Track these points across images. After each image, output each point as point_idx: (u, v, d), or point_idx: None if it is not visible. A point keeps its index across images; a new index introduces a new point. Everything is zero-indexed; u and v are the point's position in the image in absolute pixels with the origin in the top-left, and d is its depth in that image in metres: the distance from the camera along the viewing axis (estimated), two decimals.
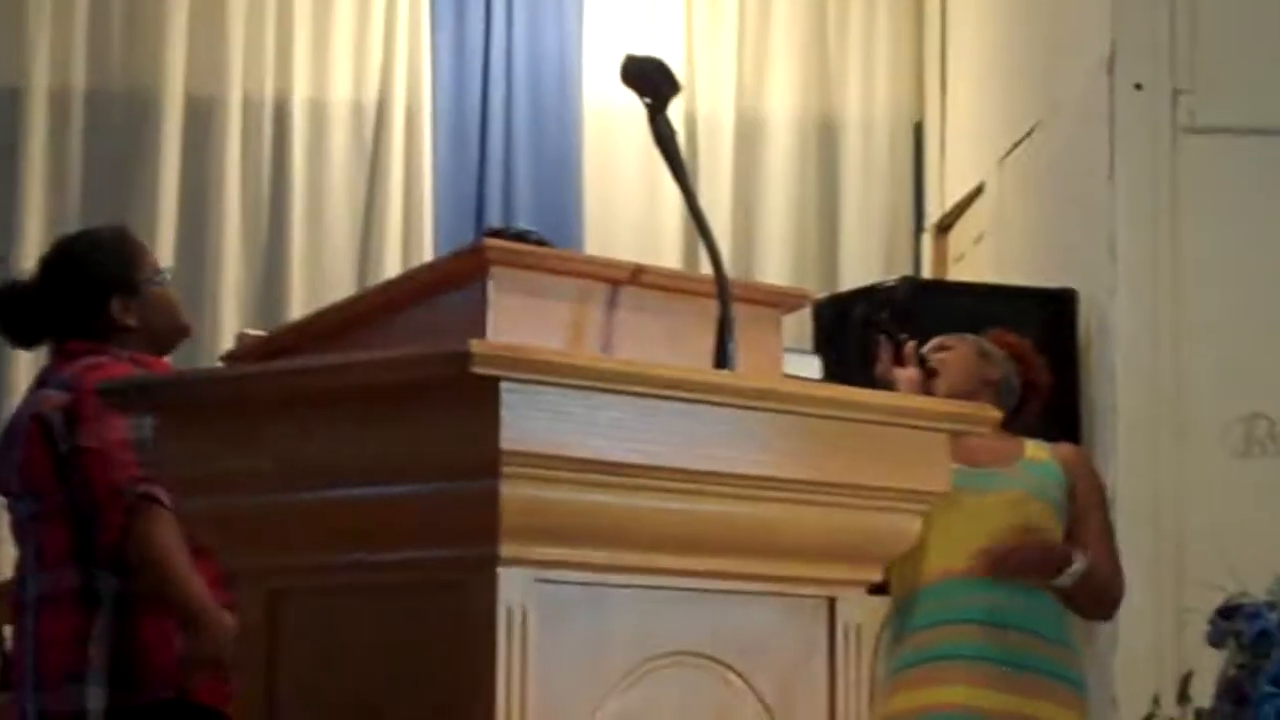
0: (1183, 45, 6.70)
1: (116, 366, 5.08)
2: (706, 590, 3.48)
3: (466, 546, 3.20)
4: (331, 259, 9.07)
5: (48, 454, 4.98)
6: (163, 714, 5.13)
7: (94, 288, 5.23)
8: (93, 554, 5.01)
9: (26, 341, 5.45)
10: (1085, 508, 5.63)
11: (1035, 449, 5.63)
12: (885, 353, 5.69)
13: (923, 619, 5.40)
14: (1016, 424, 5.53)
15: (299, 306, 8.58)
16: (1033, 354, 5.85)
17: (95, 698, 5.00)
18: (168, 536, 4.93)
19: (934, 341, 5.80)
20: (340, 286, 8.71)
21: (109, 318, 5.18)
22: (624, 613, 3.36)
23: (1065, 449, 5.82)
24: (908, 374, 5.57)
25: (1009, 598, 5.49)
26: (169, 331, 5.37)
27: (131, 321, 5.17)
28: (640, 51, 3.84)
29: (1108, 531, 5.69)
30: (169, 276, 5.55)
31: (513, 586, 3.20)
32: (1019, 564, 5.44)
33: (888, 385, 5.54)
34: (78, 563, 5.04)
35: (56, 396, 5.05)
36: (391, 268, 8.66)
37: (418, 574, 3.29)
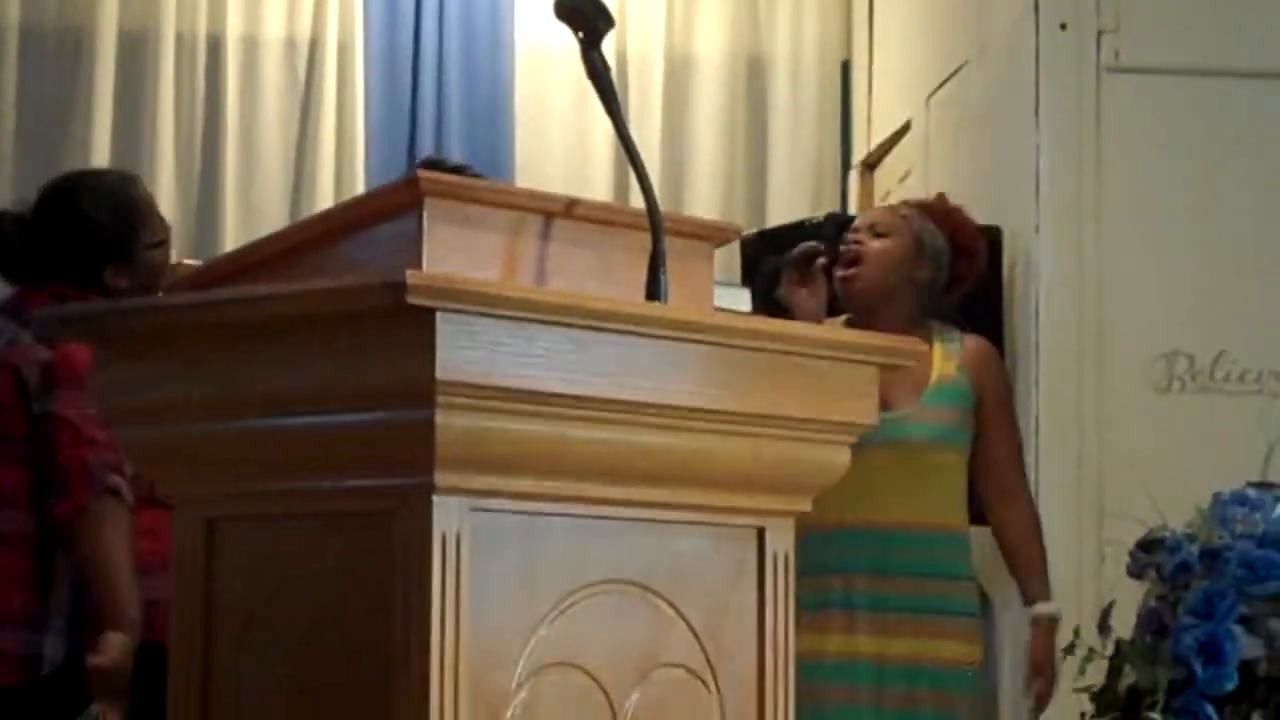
0: None
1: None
2: (638, 519, 3.50)
3: (403, 475, 3.22)
4: (265, 193, 9.09)
5: (20, 406, 4.96)
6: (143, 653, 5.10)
7: (90, 251, 5.25)
8: (47, 516, 4.99)
9: (16, 279, 5.38)
10: (993, 409, 5.69)
11: (944, 361, 5.59)
12: (785, 284, 5.67)
13: (830, 560, 5.42)
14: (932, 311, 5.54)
15: (233, 240, 8.61)
16: (975, 237, 5.96)
17: (54, 647, 5.00)
18: (117, 537, 4.95)
19: (867, 216, 5.80)
20: (274, 221, 8.71)
21: (100, 282, 5.19)
22: (557, 541, 3.39)
23: (973, 350, 5.86)
24: (805, 292, 5.56)
25: (902, 547, 5.55)
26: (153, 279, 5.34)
27: (123, 284, 5.19)
28: None
29: (1014, 436, 5.81)
30: (164, 239, 5.54)
31: (448, 515, 3.22)
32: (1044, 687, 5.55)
33: (787, 308, 5.53)
34: (35, 507, 5.01)
35: (35, 350, 5.03)
36: (324, 202, 8.68)
37: (355, 502, 3.31)
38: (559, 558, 3.39)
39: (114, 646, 4.89)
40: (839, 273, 5.59)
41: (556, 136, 9.15)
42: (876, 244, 5.62)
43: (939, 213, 5.82)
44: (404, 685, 3.21)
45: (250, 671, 3.46)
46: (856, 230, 5.67)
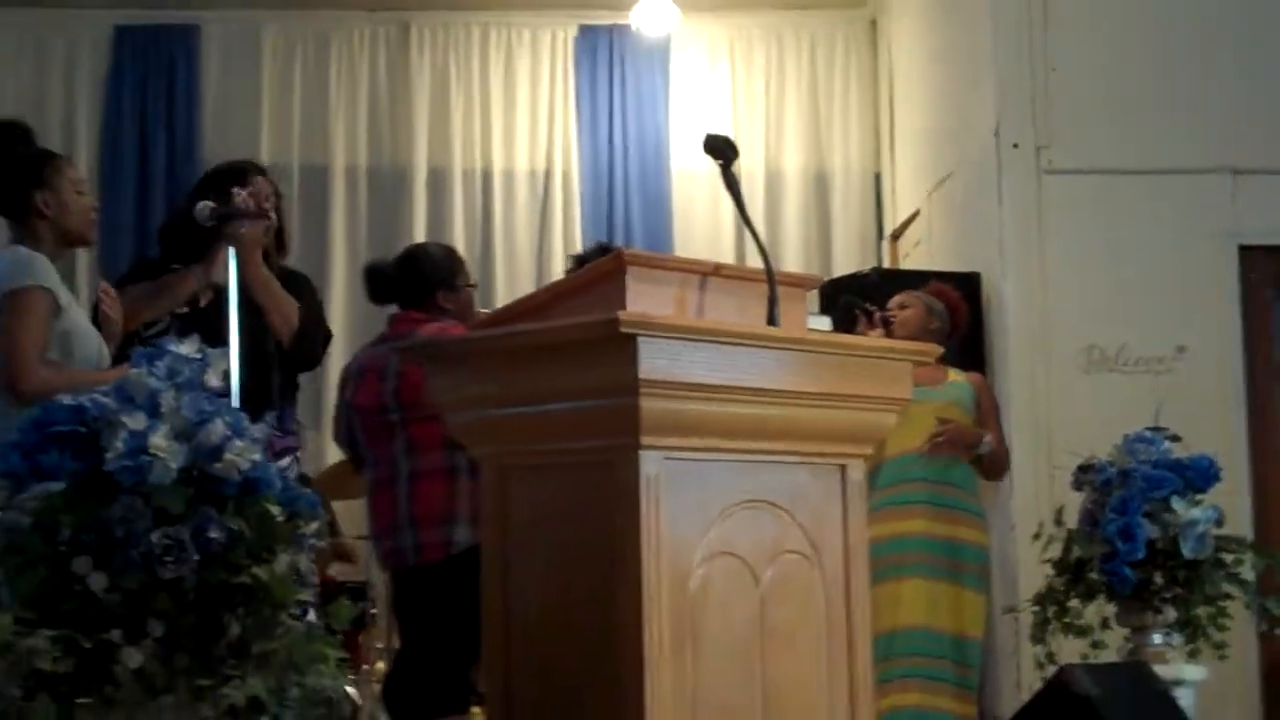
0: (1041, 118, 6.75)
1: (441, 329, 5.15)
2: (766, 462, 3.56)
3: (621, 438, 3.29)
4: (520, 269, 9.10)
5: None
6: None
7: (426, 283, 5.31)
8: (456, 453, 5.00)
9: (380, 302, 5.53)
10: (986, 414, 5.84)
11: (955, 375, 5.80)
12: (862, 322, 5.82)
13: (887, 480, 5.47)
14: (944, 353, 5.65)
15: (503, 300, 8.61)
16: (960, 302, 6.07)
17: (462, 534, 5.04)
18: None
19: (896, 299, 5.91)
20: (527, 289, 8.78)
21: (434, 304, 5.26)
22: (717, 477, 3.45)
23: (974, 376, 6.08)
24: (875, 333, 5.69)
25: (943, 465, 5.61)
26: (462, 319, 5.40)
27: (449, 307, 5.26)
28: (712, 130, 3.92)
29: (999, 428, 5.87)
30: (475, 284, 5.65)
31: (649, 463, 3.29)
32: (952, 437, 5.58)
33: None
34: (446, 449, 5.02)
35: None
36: (557, 276, 8.70)
37: (591, 456, 3.37)
38: (719, 487, 3.45)
39: None
40: (883, 324, 5.76)
41: (699, 226, 9.16)
42: (902, 313, 5.76)
43: (937, 291, 5.97)
44: (625, 569, 3.27)
45: (527, 559, 3.53)
46: (889, 307, 5.82)
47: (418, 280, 5.31)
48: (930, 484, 5.61)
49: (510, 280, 9.02)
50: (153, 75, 9.05)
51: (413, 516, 5.09)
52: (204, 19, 9.13)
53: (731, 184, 3.80)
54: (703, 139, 3.82)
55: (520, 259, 9.11)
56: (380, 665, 7.29)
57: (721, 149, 3.78)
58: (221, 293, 4.66)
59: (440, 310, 5.27)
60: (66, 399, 2.57)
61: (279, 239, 5.18)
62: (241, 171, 5.12)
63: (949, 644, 5.57)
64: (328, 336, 5.22)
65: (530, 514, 3.52)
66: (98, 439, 2.51)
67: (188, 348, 2.63)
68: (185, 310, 4.88)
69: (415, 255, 5.50)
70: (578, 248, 8.89)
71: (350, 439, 5.39)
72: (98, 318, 4.58)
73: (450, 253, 5.68)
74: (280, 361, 4.88)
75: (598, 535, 3.33)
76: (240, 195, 4.83)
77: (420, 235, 8.70)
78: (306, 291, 5.10)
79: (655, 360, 3.24)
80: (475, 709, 5.53)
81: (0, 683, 2.39)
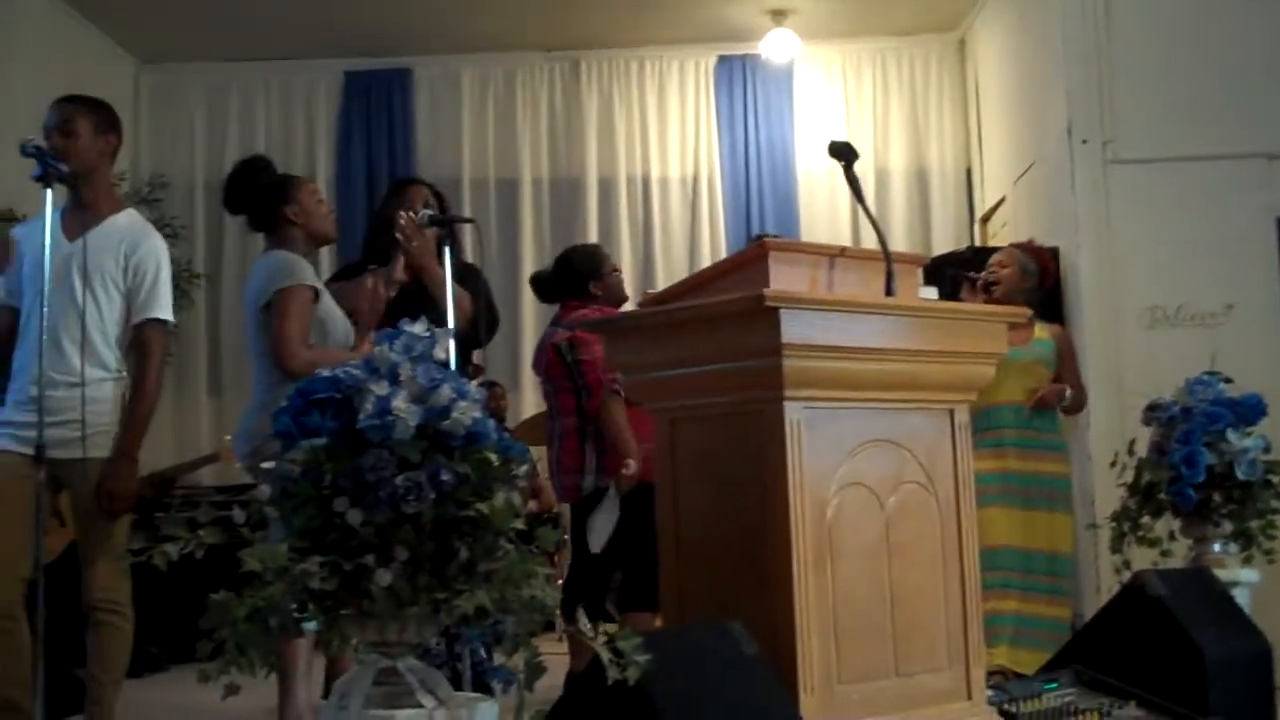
0: (1106, 117, 6.62)
1: (593, 314, 5.17)
2: (888, 408, 3.53)
3: (768, 391, 3.28)
4: (675, 260, 9.11)
5: (561, 361, 5.09)
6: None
7: (579, 278, 5.37)
8: (584, 411, 5.10)
9: (547, 301, 5.62)
10: (1066, 361, 5.72)
11: (1040, 330, 5.67)
12: (965, 288, 5.73)
13: (983, 425, 5.38)
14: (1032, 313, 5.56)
15: (662, 284, 8.59)
16: (1049, 259, 6.00)
17: (588, 482, 5.13)
18: (621, 415, 5.04)
19: (996, 256, 5.80)
20: (681, 274, 8.78)
21: (588, 291, 5.31)
22: (849, 421, 3.43)
23: (1055, 328, 5.92)
24: (979, 299, 5.60)
25: (1028, 414, 5.53)
26: (619, 301, 5.51)
27: (599, 293, 5.30)
28: (834, 138, 3.89)
29: (1077, 372, 5.75)
30: (620, 273, 5.67)
31: (792, 412, 3.28)
32: (1041, 405, 5.49)
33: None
34: (577, 415, 5.14)
35: (563, 333, 5.21)
36: (705, 264, 8.71)
37: (744, 407, 3.37)
38: (849, 430, 3.43)
39: (631, 464, 5.03)
40: (984, 288, 5.65)
41: (820, 218, 9.08)
42: (1002, 271, 5.64)
43: (1030, 249, 5.85)
44: (775, 498, 3.27)
45: (692, 492, 3.53)
46: (989, 265, 5.70)
47: (571, 277, 5.43)
48: (1017, 430, 5.54)
49: (668, 267, 9.02)
50: (375, 110, 9.18)
51: (559, 465, 5.27)
52: (416, 63, 9.23)
53: (852, 181, 3.77)
54: (827, 145, 3.80)
55: (675, 249, 9.11)
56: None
57: (843, 152, 3.75)
58: (405, 288, 4.80)
59: (593, 297, 5.36)
60: (325, 372, 2.61)
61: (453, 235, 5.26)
62: (402, 185, 5.21)
63: (1042, 560, 5.51)
64: (495, 322, 5.27)
65: (694, 455, 3.52)
66: (351, 403, 2.55)
67: (419, 327, 2.65)
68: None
69: (567, 257, 5.60)
70: (721, 240, 8.93)
71: (545, 400, 5.54)
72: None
73: (594, 249, 5.81)
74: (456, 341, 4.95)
75: (751, 471, 3.33)
76: (403, 217, 4.86)
77: (593, 236, 8.76)
78: (479, 282, 5.14)
79: (794, 327, 3.24)
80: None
81: (280, 599, 2.43)
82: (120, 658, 4.08)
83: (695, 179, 9.14)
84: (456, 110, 9.22)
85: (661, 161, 9.18)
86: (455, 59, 9.20)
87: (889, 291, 3.56)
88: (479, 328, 4.89)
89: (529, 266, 8.83)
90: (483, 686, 3.67)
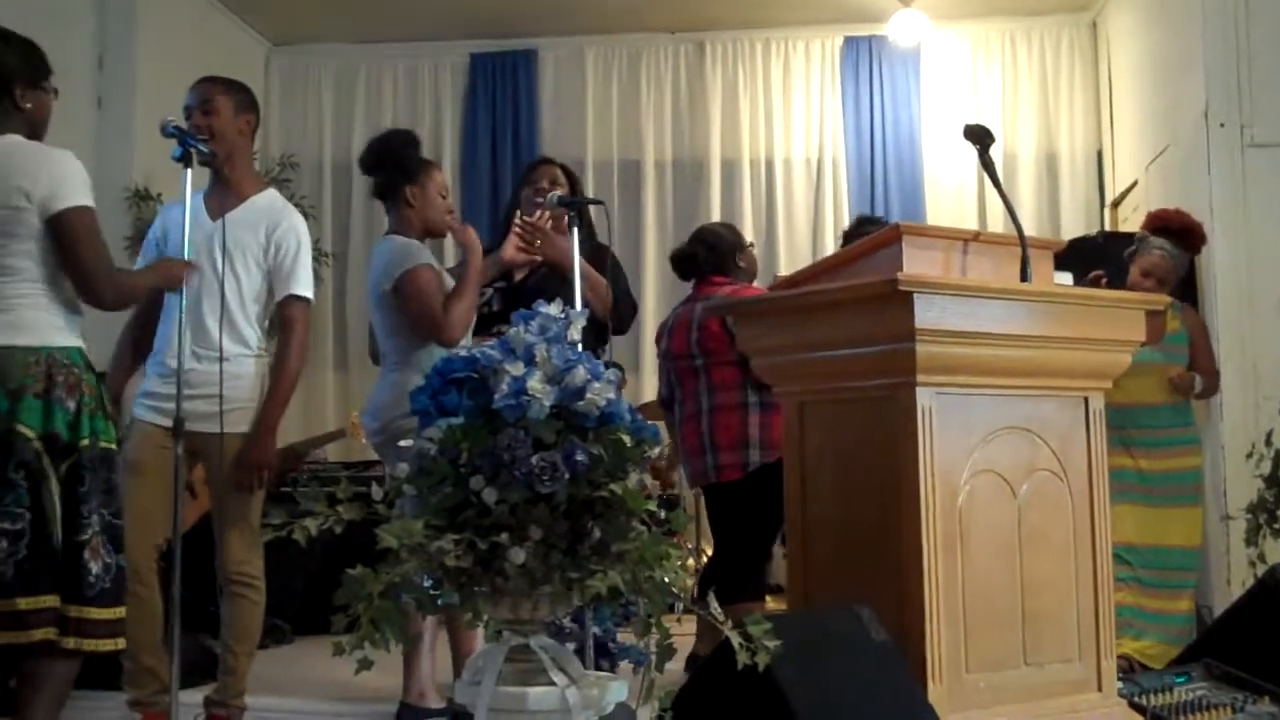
0: (1244, 100, 6.46)
1: (750, 290, 5.28)
2: (1021, 394, 3.49)
3: (900, 377, 3.27)
4: (798, 243, 9.05)
5: (725, 333, 5.04)
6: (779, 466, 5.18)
7: (720, 253, 5.42)
8: (749, 382, 5.05)
9: (687, 278, 5.56)
10: (1198, 344, 5.61)
11: (1173, 321, 5.53)
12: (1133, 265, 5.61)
13: (1115, 422, 5.26)
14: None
15: (784, 269, 8.56)
16: (1197, 227, 5.79)
17: (755, 456, 5.08)
18: None
19: (1139, 265, 5.61)
20: (805, 258, 8.76)
21: (733, 265, 5.36)
22: (980, 408, 3.41)
23: (1188, 312, 5.80)
24: (1134, 281, 5.49)
25: (1158, 412, 5.42)
26: (754, 277, 5.62)
27: (743, 264, 5.37)
28: (969, 121, 3.85)
29: (1210, 355, 5.70)
30: (753, 244, 5.83)
31: (924, 397, 3.26)
32: (1175, 388, 5.38)
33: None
34: (739, 388, 5.09)
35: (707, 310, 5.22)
36: (830, 252, 8.64)
37: (876, 392, 3.35)
38: (982, 416, 3.40)
39: None
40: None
41: (945, 201, 8.97)
42: (1147, 283, 5.47)
43: (1170, 224, 5.70)
44: (905, 484, 3.25)
45: (821, 475, 3.52)
46: (1131, 279, 5.55)
47: (718, 252, 5.38)
48: (1149, 430, 5.43)
49: (790, 249, 8.97)
50: (501, 91, 9.23)
51: (714, 443, 5.13)
52: (540, 44, 9.26)
53: (988, 165, 3.74)
54: (963, 128, 3.76)
55: (798, 232, 9.04)
56: (689, 561, 7.36)
57: (980, 135, 3.71)
58: (537, 270, 4.79)
59: (737, 270, 5.35)
60: (462, 352, 2.64)
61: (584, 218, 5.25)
62: (535, 165, 5.22)
63: (1168, 554, 5.40)
64: (634, 308, 5.25)
65: (823, 439, 3.52)
66: (487, 383, 2.57)
67: (554, 309, 2.67)
68: (503, 284, 4.98)
69: (706, 232, 5.60)
70: (846, 223, 8.80)
71: (667, 381, 5.47)
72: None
73: (730, 226, 5.85)
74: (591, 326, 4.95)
75: (881, 457, 3.32)
76: (520, 224, 4.88)
77: (716, 218, 8.69)
78: (613, 266, 5.15)
79: (928, 312, 3.22)
80: (767, 598, 5.57)
81: (415, 575, 2.47)
82: (253, 629, 4.17)
83: (820, 161, 9.06)
84: (581, 91, 9.24)
85: (786, 143, 9.12)
86: (580, 40, 9.21)
87: (1024, 276, 3.52)
88: (615, 315, 4.92)
89: (651, 248, 8.86)
90: (601, 663, 3.71)
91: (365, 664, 2.44)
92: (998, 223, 8.63)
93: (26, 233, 3.36)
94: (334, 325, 9.08)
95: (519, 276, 4.99)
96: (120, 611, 3.40)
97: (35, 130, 3.50)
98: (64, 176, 3.38)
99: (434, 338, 4.34)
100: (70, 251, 3.38)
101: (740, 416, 5.11)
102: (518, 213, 4.90)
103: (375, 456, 7.13)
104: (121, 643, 3.41)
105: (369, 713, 4.67)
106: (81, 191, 3.40)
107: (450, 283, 4.52)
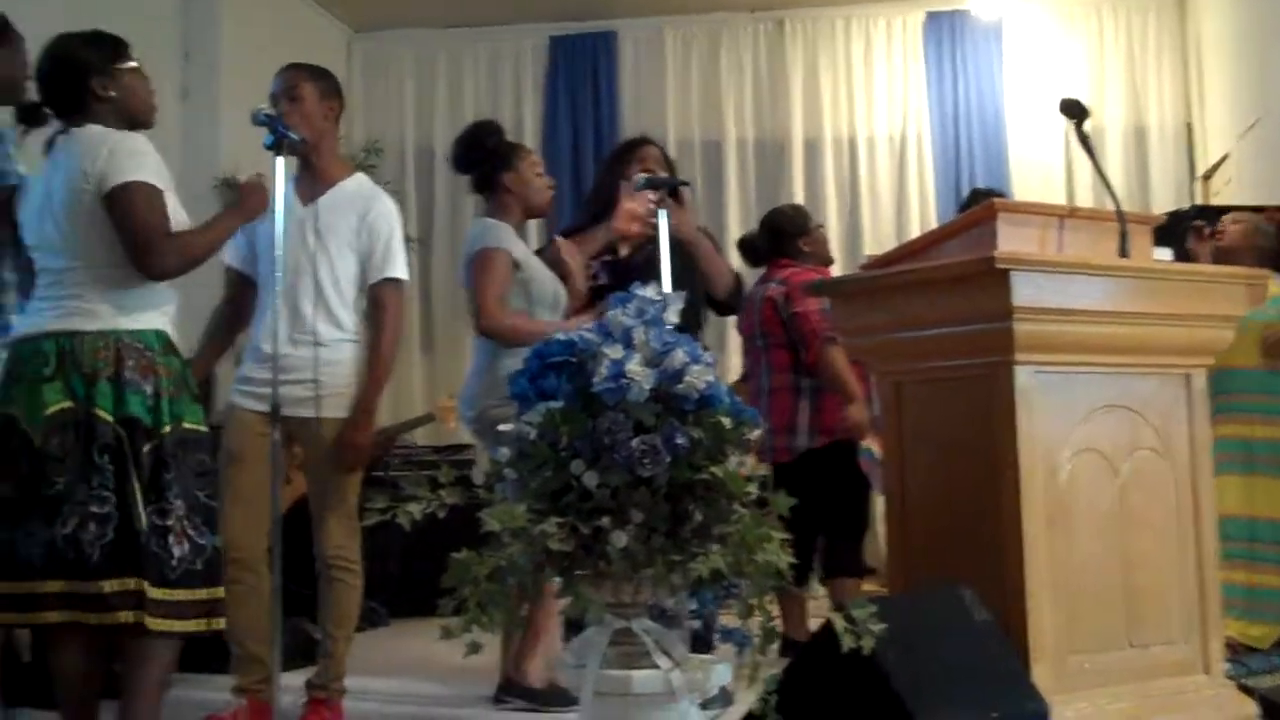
0: None
1: (807, 273, 5.30)
2: (1122, 372, 3.45)
3: (998, 356, 3.23)
4: (882, 221, 8.99)
5: (776, 316, 5.08)
6: (837, 449, 5.18)
7: (787, 236, 5.53)
8: (800, 366, 5.10)
9: (756, 265, 5.64)
10: None
11: (1274, 287, 5.40)
12: (1191, 238, 5.51)
13: (1219, 388, 5.18)
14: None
15: (869, 248, 8.52)
16: None
17: (802, 442, 5.12)
18: (840, 358, 5.06)
19: (1228, 216, 5.55)
20: (885, 237, 8.74)
21: (796, 249, 5.42)
22: (1081, 386, 3.37)
23: None
24: (1204, 246, 5.39)
25: (1263, 377, 5.31)
26: (827, 259, 5.67)
27: (807, 249, 5.38)
28: (1044, 94, 3.81)
29: None
30: (824, 229, 5.83)
31: (1023, 376, 3.23)
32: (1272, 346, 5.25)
33: (1193, 259, 5.36)
34: (792, 372, 5.15)
35: (777, 288, 5.28)
36: (915, 230, 8.59)
37: (973, 371, 3.32)
38: (1081, 394, 3.36)
39: (855, 408, 5.15)
40: (1211, 236, 5.42)
41: (1031, 177, 8.84)
42: (1232, 227, 5.40)
43: (1273, 216, 5.61)
44: (1005, 464, 3.22)
45: (918, 455, 3.50)
46: (1222, 223, 5.46)
47: (780, 236, 5.48)
48: (1253, 394, 5.32)
49: (875, 228, 8.91)
50: (581, 73, 9.23)
51: (769, 424, 5.20)
52: (620, 26, 9.24)
53: (1084, 139, 3.69)
54: (1059, 102, 3.71)
55: (882, 210, 8.97)
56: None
57: (1075, 110, 3.67)
58: (644, 246, 4.76)
59: (802, 254, 5.38)
60: (561, 336, 2.64)
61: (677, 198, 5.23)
62: (635, 145, 5.21)
63: (1272, 528, 5.29)
64: (740, 287, 5.26)
65: (920, 419, 3.50)
66: (585, 367, 2.58)
67: (651, 291, 2.67)
68: (609, 258, 4.96)
69: (773, 217, 5.68)
70: (930, 201, 8.79)
71: (744, 359, 5.60)
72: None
73: (798, 208, 5.95)
74: (695, 303, 4.92)
75: (979, 436, 3.29)
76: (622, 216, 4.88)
77: (799, 197, 8.65)
78: (716, 246, 5.16)
79: (1025, 290, 3.18)
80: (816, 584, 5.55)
81: (518, 559, 2.48)
82: (352, 613, 4.20)
83: (903, 139, 8.99)
84: (661, 72, 9.22)
85: (868, 121, 9.04)
86: (659, 20, 9.19)
87: (1122, 252, 3.47)
88: (736, 295, 4.97)
89: (734, 229, 8.81)
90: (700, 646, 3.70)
91: (474, 647, 2.45)
92: (1085, 198, 8.51)
93: (90, 216, 3.36)
94: (420, 307, 9.14)
95: (624, 252, 4.99)
96: (216, 592, 3.40)
97: (132, 115, 3.50)
98: (120, 154, 3.36)
99: (476, 321, 4.43)
100: (122, 224, 3.35)
101: (791, 400, 5.24)
102: (636, 190, 4.81)
103: (464, 440, 7.21)
104: (219, 623, 3.41)
105: (467, 694, 4.71)
106: (135, 167, 3.36)
107: (535, 266, 4.52)
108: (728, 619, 2.62)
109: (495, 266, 4.43)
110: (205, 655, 4.42)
